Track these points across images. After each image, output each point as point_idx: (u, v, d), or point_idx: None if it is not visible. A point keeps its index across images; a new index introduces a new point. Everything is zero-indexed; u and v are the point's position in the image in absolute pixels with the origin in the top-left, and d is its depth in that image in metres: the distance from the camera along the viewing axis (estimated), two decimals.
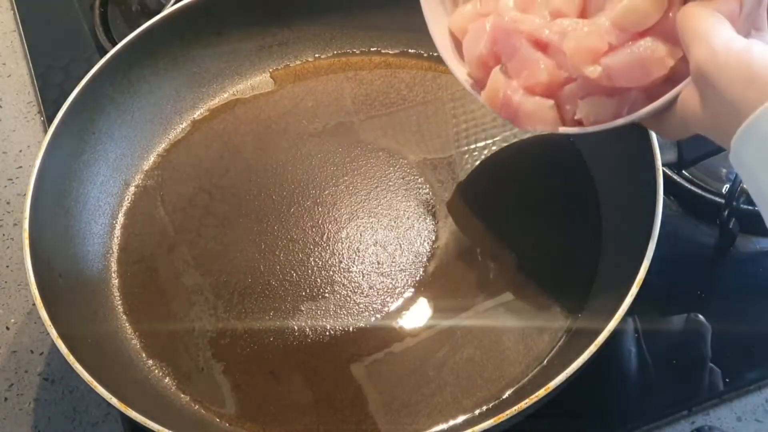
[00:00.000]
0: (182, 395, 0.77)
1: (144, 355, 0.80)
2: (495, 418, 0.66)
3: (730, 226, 0.86)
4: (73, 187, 0.87)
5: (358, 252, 0.85)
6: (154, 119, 0.96)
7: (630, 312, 0.70)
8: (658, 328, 0.83)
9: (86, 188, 0.89)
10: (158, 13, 0.96)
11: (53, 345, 0.70)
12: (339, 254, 0.85)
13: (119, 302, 0.84)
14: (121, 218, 0.90)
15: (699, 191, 0.89)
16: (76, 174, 0.88)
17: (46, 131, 0.88)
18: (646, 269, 0.71)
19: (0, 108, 1.09)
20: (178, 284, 0.84)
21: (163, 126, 0.96)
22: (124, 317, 0.83)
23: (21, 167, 1.02)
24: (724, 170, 0.91)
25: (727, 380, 0.79)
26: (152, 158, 0.94)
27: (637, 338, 0.82)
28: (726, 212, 0.86)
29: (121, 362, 0.78)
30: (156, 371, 0.79)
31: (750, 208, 0.86)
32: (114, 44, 0.96)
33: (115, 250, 0.88)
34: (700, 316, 0.82)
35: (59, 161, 0.86)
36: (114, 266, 0.86)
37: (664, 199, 0.74)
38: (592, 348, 0.68)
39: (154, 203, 0.91)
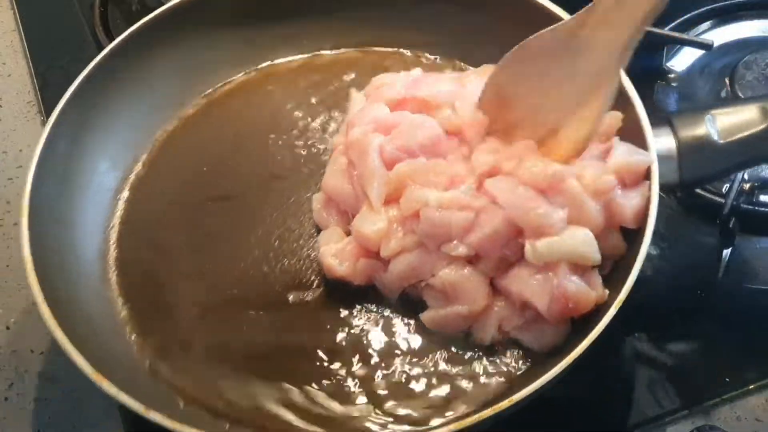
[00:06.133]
0: (182, 393, 0.77)
1: (144, 352, 0.80)
2: (491, 408, 0.66)
3: (730, 226, 0.86)
4: (71, 181, 0.87)
5: None
6: (153, 113, 0.96)
7: (630, 312, 0.70)
8: (658, 328, 0.83)
9: (85, 184, 0.89)
10: None
11: (53, 344, 0.70)
12: None
13: (119, 298, 0.83)
14: (119, 213, 0.90)
15: (699, 191, 0.89)
16: (74, 169, 0.88)
17: None
18: (639, 268, 0.70)
19: (0, 108, 1.10)
20: (178, 277, 0.84)
21: (161, 119, 0.96)
22: (125, 314, 0.82)
23: (21, 167, 1.02)
24: None
25: (727, 380, 0.80)
26: (151, 151, 0.94)
27: (637, 338, 0.82)
28: (726, 212, 0.86)
29: (122, 359, 0.78)
30: (156, 370, 0.79)
31: (750, 208, 0.86)
32: None
33: (114, 247, 0.87)
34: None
35: (57, 157, 0.85)
36: (113, 261, 0.86)
37: (664, 199, 0.75)
38: (585, 343, 0.67)
39: (153, 196, 0.91)
